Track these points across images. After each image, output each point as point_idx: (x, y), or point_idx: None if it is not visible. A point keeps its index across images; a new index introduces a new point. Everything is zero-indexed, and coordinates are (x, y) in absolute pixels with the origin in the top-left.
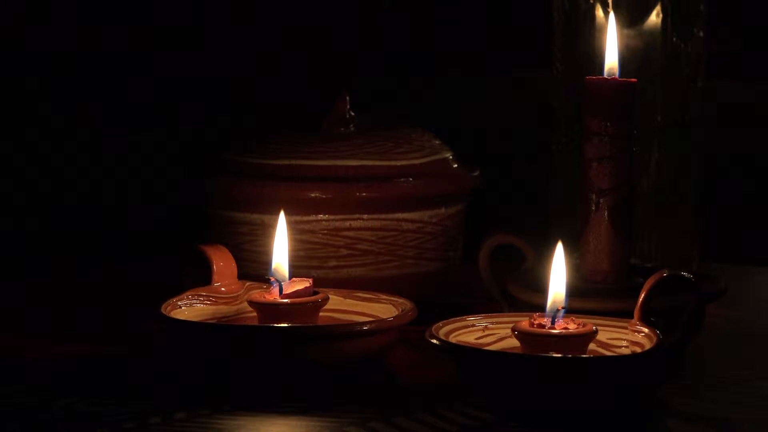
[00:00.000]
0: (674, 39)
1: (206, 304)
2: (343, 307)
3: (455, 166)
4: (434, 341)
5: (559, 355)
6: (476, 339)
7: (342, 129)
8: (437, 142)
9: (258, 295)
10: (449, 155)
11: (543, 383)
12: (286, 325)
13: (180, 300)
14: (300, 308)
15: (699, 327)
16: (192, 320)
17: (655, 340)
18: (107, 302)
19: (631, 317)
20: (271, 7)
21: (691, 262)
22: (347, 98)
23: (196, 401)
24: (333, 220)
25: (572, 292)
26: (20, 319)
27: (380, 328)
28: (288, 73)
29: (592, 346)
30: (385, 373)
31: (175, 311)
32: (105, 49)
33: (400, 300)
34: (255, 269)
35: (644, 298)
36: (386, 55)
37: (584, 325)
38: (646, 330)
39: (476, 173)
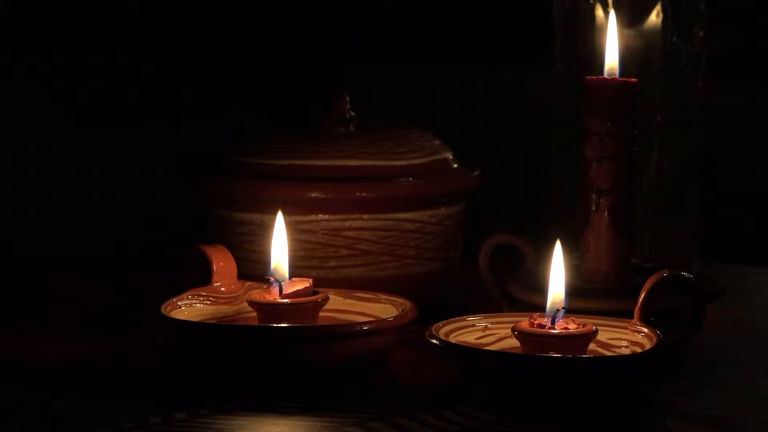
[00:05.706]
0: (674, 39)
1: (206, 304)
2: (343, 307)
3: (455, 166)
4: (434, 341)
5: (559, 355)
6: (476, 339)
7: (342, 129)
8: (437, 142)
9: (258, 295)
10: (449, 155)
11: (543, 383)
12: (286, 325)
13: (180, 300)
14: (300, 308)
15: (699, 327)
16: (192, 320)
17: (655, 340)
18: (107, 302)
19: (631, 317)
20: (272, 7)
21: (691, 262)
22: (347, 98)
23: (196, 401)
24: (333, 220)
25: (572, 292)
26: (20, 319)
27: (380, 328)
28: (288, 73)
29: (592, 346)
30: (385, 373)
31: (175, 311)
32: (105, 50)
33: (400, 300)
34: (255, 269)
35: (644, 298)
36: (386, 55)
37: (584, 325)
38: (646, 330)
39: (476, 173)
